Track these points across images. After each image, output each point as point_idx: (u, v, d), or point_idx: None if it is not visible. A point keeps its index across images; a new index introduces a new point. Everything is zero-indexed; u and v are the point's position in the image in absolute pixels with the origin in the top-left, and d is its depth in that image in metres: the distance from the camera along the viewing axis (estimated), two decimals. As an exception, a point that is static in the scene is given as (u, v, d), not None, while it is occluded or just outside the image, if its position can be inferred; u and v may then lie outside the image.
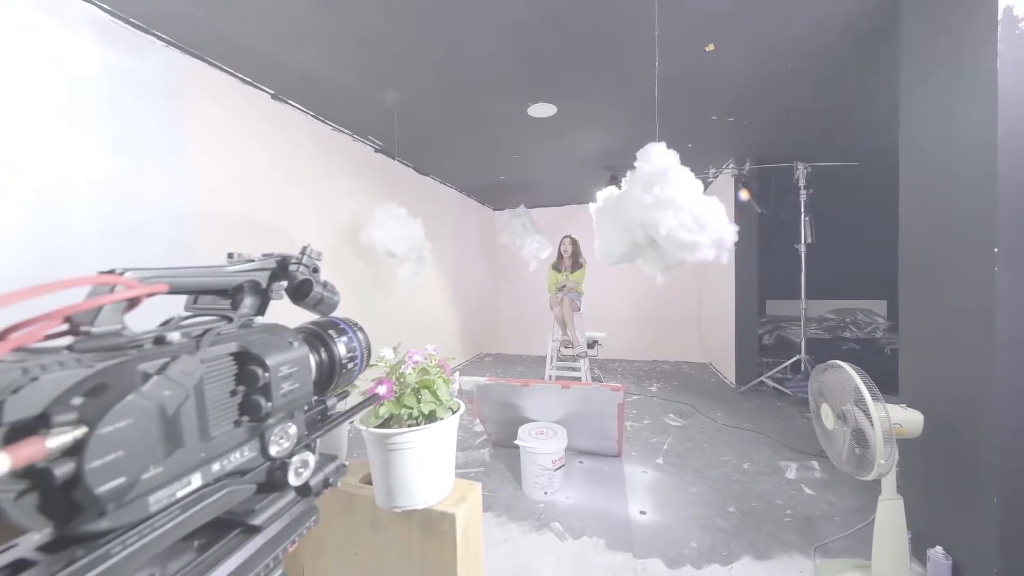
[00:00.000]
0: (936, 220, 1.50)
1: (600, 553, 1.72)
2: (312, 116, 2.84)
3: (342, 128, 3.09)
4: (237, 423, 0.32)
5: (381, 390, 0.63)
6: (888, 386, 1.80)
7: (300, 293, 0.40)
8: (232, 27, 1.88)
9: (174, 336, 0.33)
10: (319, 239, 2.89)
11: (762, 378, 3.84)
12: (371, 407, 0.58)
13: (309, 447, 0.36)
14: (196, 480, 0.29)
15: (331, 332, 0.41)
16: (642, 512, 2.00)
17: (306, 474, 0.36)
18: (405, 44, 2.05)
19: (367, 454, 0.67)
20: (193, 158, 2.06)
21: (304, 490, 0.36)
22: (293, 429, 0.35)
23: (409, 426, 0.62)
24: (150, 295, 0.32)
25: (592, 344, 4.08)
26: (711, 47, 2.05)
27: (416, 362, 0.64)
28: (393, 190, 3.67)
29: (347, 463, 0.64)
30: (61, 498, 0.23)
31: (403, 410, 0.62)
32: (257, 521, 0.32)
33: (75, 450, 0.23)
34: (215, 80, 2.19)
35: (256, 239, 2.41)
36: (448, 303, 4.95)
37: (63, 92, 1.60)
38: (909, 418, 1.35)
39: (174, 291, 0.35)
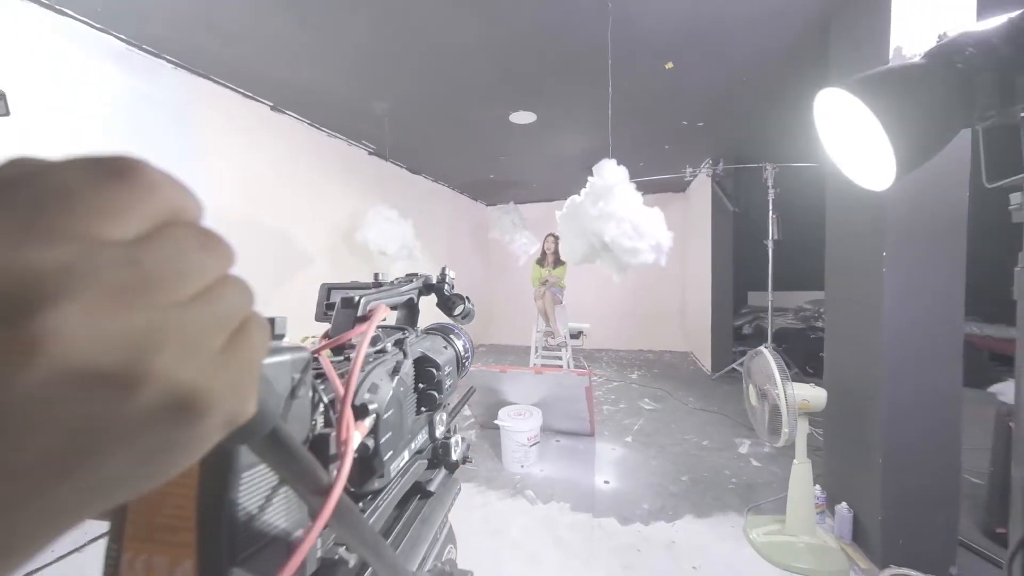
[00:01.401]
0: (848, 229, 1.73)
1: (565, 514, 1.99)
2: (308, 124, 3.04)
3: (337, 134, 3.30)
4: (418, 412, 0.39)
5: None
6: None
7: (450, 306, 0.48)
8: (234, 50, 2.08)
9: (388, 344, 0.38)
10: (316, 239, 3.12)
11: (733, 365, 4.11)
12: (469, 397, 0.69)
13: (453, 430, 0.45)
14: (406, 456, 0.37)
15: (452, 334, 0.47)
16: (606, 482, 2.27)
17: (459, 451, 0.45)
18: (392, 59, 2.25)
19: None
20: (203, 170, 2.28)
21: (452, 465, 0.45)
22: (445, 416, 0.43)
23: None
24: (384, 318, 0.38)
25: (577, 334, 4.33)
26: (670, 65, 2.25)
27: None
28: (386, 190, 3.88)
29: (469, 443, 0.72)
30: (360, 465, 0.30)
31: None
32: (432, 488, 0.42)
33: (372, 430, 0.30)
34: (219, 96, 2.40)
35: (262, 242, 2.64)
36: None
37: (94, 115, 1.81)
38: (815, 395, 1.60)
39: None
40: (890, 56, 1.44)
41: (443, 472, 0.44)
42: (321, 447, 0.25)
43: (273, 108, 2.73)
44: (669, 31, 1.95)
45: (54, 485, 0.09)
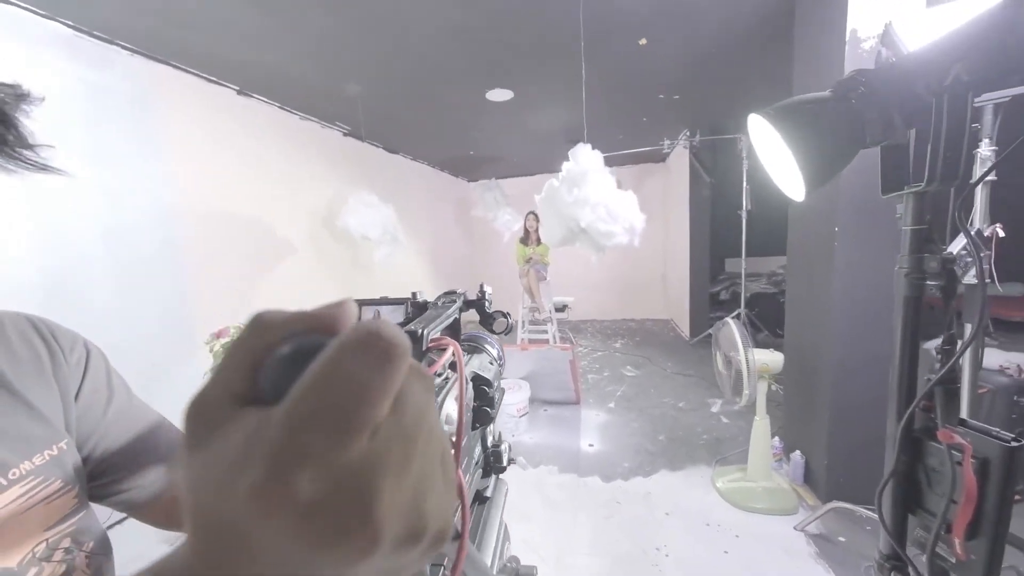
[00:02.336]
0: (805, 206, 1.85)
1: (553, 475, 2.18)
2: (279, 107, 2.94)
3: (309, 116, 3.20)
4: (473, 428, 0.41)
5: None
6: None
7: (491, 323, 0.51)
8: (190, 34, 1.98)
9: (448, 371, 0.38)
10: (294, 226, 3.09)
11: (709, 331, 4.33)
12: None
13: (500, 438, 0.46)
14: (472, 467, 0.41)
15: (487, 345, 0.50)
16: (590, 445, 2.47)
17: (506, 456, 0.48)
18: (359, 42, 2.18)
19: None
20: (168, 160, 2.22)
21: (501, 470, 0.48)
22: (493, 426, 0.45)
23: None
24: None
25: (562, 308, 4.47)
26: (643, 42, 2.25)
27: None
28: (365, 171, 3.82)
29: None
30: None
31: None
32: (488, 494, 0.46)
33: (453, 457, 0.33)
34: (181, 82, 2.30)
35: (235, 231, 2.62)
36: (427, 275, 5.24)
37: (45, 108, 1.74)
38: (773, 359, 1.77)
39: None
40: (847, 36, 1.50)
41: (495, 478, 0.46)
42: None
43: (239, 92, 2.63)
44: (640, 8, 1.95)
45: None
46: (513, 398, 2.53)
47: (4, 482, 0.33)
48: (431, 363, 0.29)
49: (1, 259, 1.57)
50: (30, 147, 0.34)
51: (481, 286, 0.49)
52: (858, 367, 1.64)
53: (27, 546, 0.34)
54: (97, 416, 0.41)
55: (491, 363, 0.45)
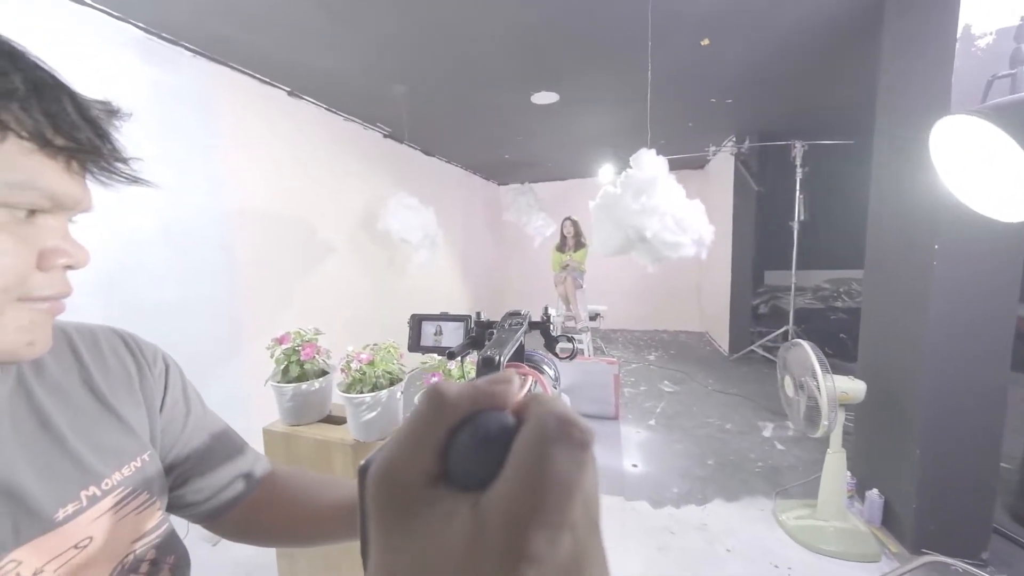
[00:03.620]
0: (895, 211, 1.68)
1: (596, 497, 2.07)
2: (325, 108, 2.96)
3: (352, 118, 3.21)
4: None
5: (433, 380, 0.89)
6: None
7: (553, 345, 0.51)
8: (254, 37, 2.00)
9: None
10: (335, 226, 3.11)
11: (753, 347, 4.12)
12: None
13: None
14: None
15: (545, 365, 0.50)
16: (634, 465, 2.34)
17: None
18: (415, 46, 2.16)
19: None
20: (223, 160, 2.25)
21: None
22: None
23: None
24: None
25: (594, 316, 4.35)
26: (706, 42, 2.13)
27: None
28: (402, 173, 3.82)
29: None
30: None
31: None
32: None
33: None
34: (237, 84, 2.33)
35: (281, 230, 2.64)
36: (458, 278, 5.21)
37: (137, 116, 1.78)
38: (854, 387, 1.61)
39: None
40: (958, 34, 1.35)
41: None
42: None
43: (290, 94, 2.65)
44: (708, 6, 1.84)
45: None
46: (553, 411, 2.44)
47: (99, 492, 0.34)
48: None
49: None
50: (124, 160, 0.34)
51: (546, 308, 0.50)
52: (959, 401, 1.46)
53: (117, 558, 0.35)
54: (178, 428, 0.43)
55: (554, 386, 0.45)
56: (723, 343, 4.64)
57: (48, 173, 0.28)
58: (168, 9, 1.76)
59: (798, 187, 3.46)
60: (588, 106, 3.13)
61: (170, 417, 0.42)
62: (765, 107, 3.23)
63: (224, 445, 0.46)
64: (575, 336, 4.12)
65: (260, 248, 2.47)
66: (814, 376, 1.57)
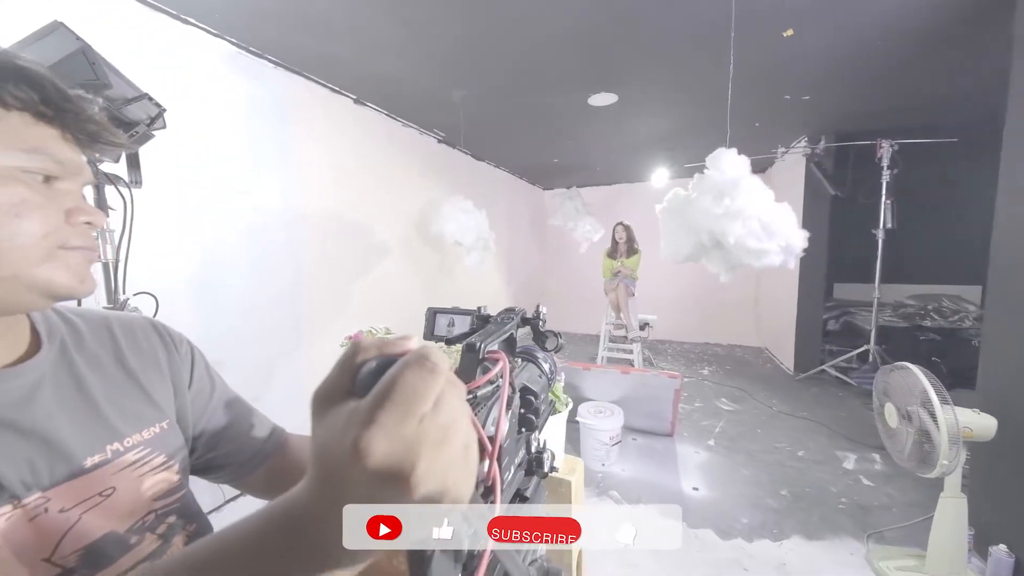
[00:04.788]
0: (1036, 222, 1.43)
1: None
2: (386, 115, 3.07)
3: (410, 123, 3.31)
4: (519, 431, 0.44)
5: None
6: (972, 382, 1.77)
7: (543, 340, 0.54)
8: (328, 47, 2.10)
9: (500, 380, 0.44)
10: (391, 229, 3.19)
11: (824, 366, 3.75)
12: (551, 411, 0.79)
13: (543, 444, 0.52)
14: (511, 471, 0.44)
15: (540, 359, 0.53)
16: (695, 488, 2.18)
17: (548, 463, 0.50)
18: (477, 50, 2.17)
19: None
20: (296, 165, 2.37)
21: (543, 475, 0.52)
22: (538, 434, 0.50)
23: (535, 417, 0.84)
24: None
25: (643, 326, 4.16)
26: (790, 32, 1.96)
27: (540, 370, 0.85)
28: (453, 177, 3.88)
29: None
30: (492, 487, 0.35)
31: (530, 405, 0.84)
32: (527, 493, 0.48)
33: (497, 458, 0.36)
34: (310, 93, 2.46)
35: (343, 232, 2.74)
36: (503, 282, 5.21)
37: (214, 117, 1.92)
38: (981, 423, 1.37)
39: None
40: None
41: (535, 479, 0.50)
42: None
43: (356, 101, 2.77)
44: (801, -8, 1.69)
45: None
46: (606, 424, 2.32)
47: (121, 448, 0.40)
48: (485, 371, 0.35)
49: (159, 257, 1.73)
50: (107, 129, 0.39)
51: (538, 306, 0.53)
52: None
53: (138, 513, 0.40)
54: (205, 400, 0.50)
55: (540, 376, 0.50)
56: (786, 360, 4.27)
57: (50, 141, 0.35)
58: (259, 25, 1.88)
59: (884, 191, 3.11)
60: (647, 107, 3.01)
61: (198, 390, 0.49)
62: (847, 103, 2.94)
63: (247, 415, 0.53)
64: (624, 346, 3.96)
65: (324, 249, 2.58)
66: (926, 406, 1.36)
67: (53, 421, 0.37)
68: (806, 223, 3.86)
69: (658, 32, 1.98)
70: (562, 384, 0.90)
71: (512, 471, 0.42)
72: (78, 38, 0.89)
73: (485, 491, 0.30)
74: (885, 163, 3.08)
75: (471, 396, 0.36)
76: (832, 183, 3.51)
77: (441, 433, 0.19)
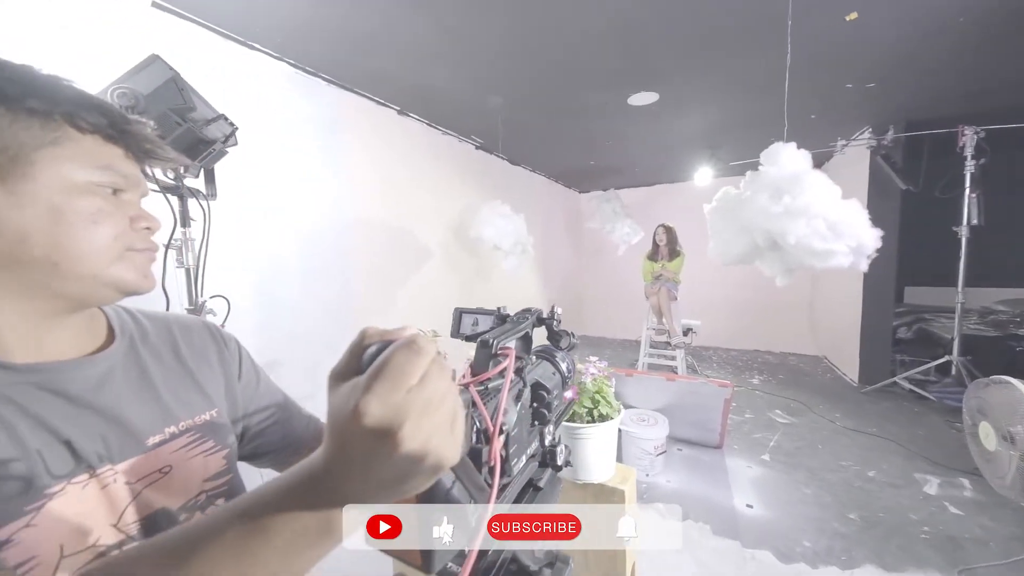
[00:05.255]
0: None
1: (706, 537, 1.83)
2: (427, 124, 3.17)
3: (449, 131, 3.40)
4: (532, 424, 0.48)
5: (569, 394, 0.84)
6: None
7: (557, 340, 0.57)
8: (372, 60, 2.20)
9: (512, 374, 0.48)
10: (432, 234, 3.28)
11: (896, 378, 3.40)
12: (570, 409, 0.79)
13: (558, 439, 0.54)
14: (523, 460, 0.47)
15: (557, 355, 0.55)
16: (749, 505, 2.04)
17: (562, 457, 0.54)
18: (516, 55, 2.19)
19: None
20: (344, 175, 2.51)
21: (557, 467, 0.53)
22: (552, 427, 0.52)
23: (587, 422, 0.82)
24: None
25: (686, 332, 3.98)
26: (853, 16, 1.82)
27: (592, 374, 0.83)
28: (491, 182, 3.93)
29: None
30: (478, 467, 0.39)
31: (582, 408, 0.82)
32: (541, 484, 0.51)
33: (503, 444, 0.40)
34: (357, 106, 2.60)
35: (388, 238, 2.85)
36: (539, 286, 5.20)
37: (274, 135, 2.07)
38: (1105, 447, 1.18)
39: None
40: None
41: (550, 472, 0.52)
42: (476, 456, 0.34)
43: (400, 112, 2.89)
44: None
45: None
46: (650, 433, 2.24)
47: (176, 430, 0.45)
48: (496, 364, 0.39)
49: (229, 263, 1.89)
50: (161, 147, 0.45)
51: (552, 307, 0.55)
52: None
53: (190, 493, 0.44)
54: (253, 390, 0.56)
55: (553, 374, 0.51)
56: (849, 371, 3.91)
57: (116, 159, 0.40)
58: (314, 46, 2.02)
59: (968, 183, 2.78)
60: (690, 104, 2.90)
61: (247, 382, 0.55)
62: (920, 89, 2.68)
63: (288, 407, 0.59)
64: (666, 352, 3.81)
65: (370, 255, 2.70)
66: (1035, 426, 1.19)
67: (122, 403, 0.42)
68: (871, 222, 3.58)
69: (705, 24, 1.91)
70: (612, 389, 0.88)
71: (524, 460, 0.45)
72: (170, 68, 0.99)
73: (489, 470, 0.35)
74: (969, 152, 2.76)
75: (482, 387, 0.40)
76: (903, 177, 3.19)
77: (425, 403, 0.23)
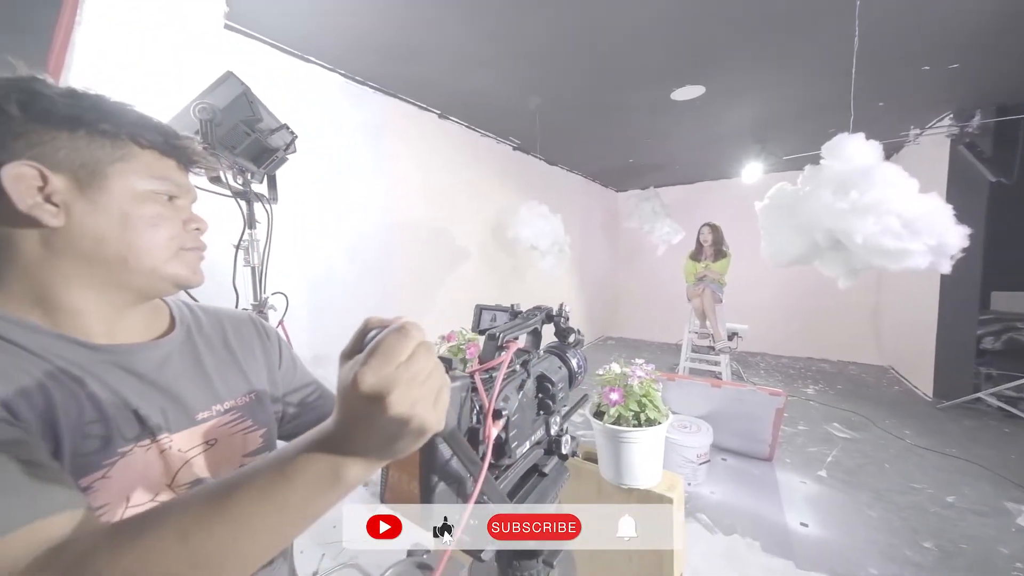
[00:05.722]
0: None
1: (755, 553, 1.72)
2: (466, 126, 3.23)
3: (488, 133, 3.44)
4: (537, 414, 0.51)
5: (614, 396, 0.82)
6: None
7: (564, 336, 0.60)
8: (416, 68, 2.28)
9: (517, 366, 0.51)
10: (470, 235, 3.34)
11: (981, 394, 3.03)
12: (581, 404, 0.75)
13: (565, 430, 0.56)
14: (527, 445, 0.49)
15: (568, 353, 0.58)
16: (803, 524, 1.90)
17: (568, 447, 0.56)
18: (556, 55, 2.18)
19: (593, 440, 0.88)
20: (390, 178, 2.61)
21: (563, 456, 0.56)
22: (559, 418, 0.55)
23: (634, 426, 0.80)
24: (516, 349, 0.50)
25: (731, 336, 3.77)
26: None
27: (640, 377, 0.81)
28: (528, 183, 3.94)
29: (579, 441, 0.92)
30: (496, 448, 0.43)
31: (628, 412, 0.80)
32: (546, 470, 0.54)
33: (504, 427, 0.43)
34: (401, 112, 2.70)
35: (429, 238, 2.94)
36: (573, 286, 5.14)
37: (329, 143, 2.20)
38: None
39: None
40: None
41: (556, 460, 0.56)
42: (475, 435, 0.39)
43: (440, 116, 2.96)
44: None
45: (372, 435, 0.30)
46: (693, 440, 2.14)
47: (221, 408, 0.52)
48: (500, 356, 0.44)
49: (281, 265, 2.02)
50: (204, 158, 0.52)
51: (561, 305, 0.58)
52: None
53: (232, 464, 0.51)
54: (290, 377, 0.63)
55: (559, 367, 0.55)
56: (922, 384, 3.54)
57: (171, 171, 0.47)
58: (363, 56, 2.12)
59: (1076, 174, 2.43)
60: (740, 96, 2.75)
61: (285, 369, 0.62)
62: (1015, 68, 2.37)
63: (321, 391, 0.65)
64: (709, 357, 3.64)
65: (412, 254, 2.79)
66: None
67: (178, 382, 0.48)
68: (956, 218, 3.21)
69: (758, 9, 1.80)
70: (660, 393, 0.85)
71: (528, 446, 0.49)
72: (242, 83, 1.08)
73: (472, 437, 0.39)
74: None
75: (487, 375, 0.43)
76: (992, 168, 2.84)
77: (412, 376, 0.28)
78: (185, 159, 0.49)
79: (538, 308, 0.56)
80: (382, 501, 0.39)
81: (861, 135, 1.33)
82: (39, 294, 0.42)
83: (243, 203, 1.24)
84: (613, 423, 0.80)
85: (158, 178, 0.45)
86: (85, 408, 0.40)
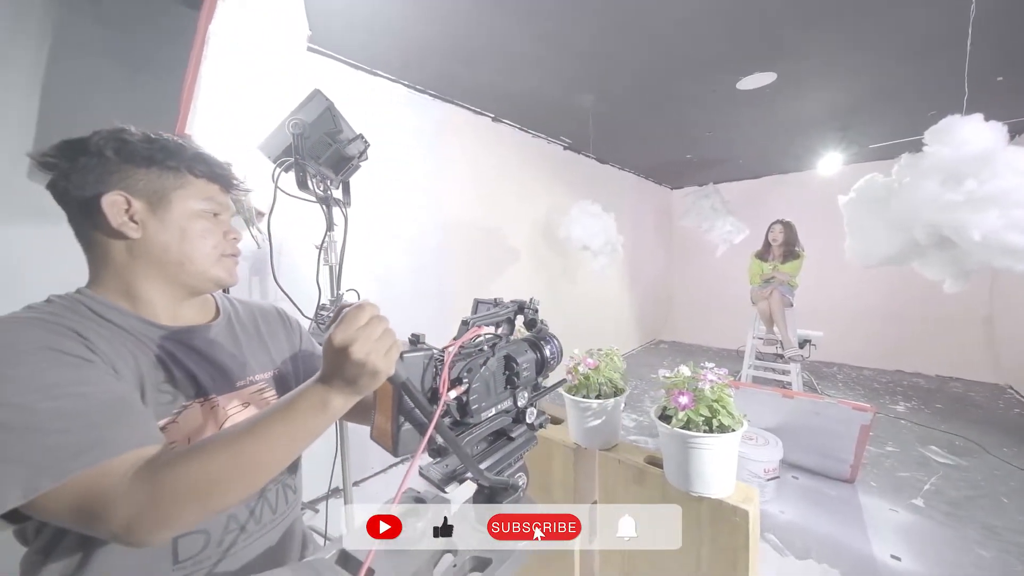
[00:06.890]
0: None
1: (834, 583, 1.57)
2: (518, 128, 3.27)
3: (539, 134, 3.46)
4: (504, 387, 0.61)
5: (683, 400, 0.80)
6: None
7: (532, 325, 0.69)
8: (472, 72, 2.34)
9: (485, 346, 0.61)
10: (520, 235, 3.37)
11: None
12: (557, 386, 0.79)
13: (534, 404, 0.66)
14: (493, 411, 0.59)
15: (542, 341, 0.68)
16: (895, 557, 1.69)
17: (533, 419, 0.66)
18: (609, 51, 2.14)
19: (660, 444, 0.86)
20: (446, 180, 2.72)
21: (531, 427, 0.66)
22: (525, 394, 0.65)
23: (704, 431, 0.77)
24: (479, 335, 0.59)
25: (803, 343, 3.45)
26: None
27: (711, 380, 0.78)
28: (579, 182, 3.90)
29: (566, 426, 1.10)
30: (461, 409, 0.55)
31: (699, 417, 0.77)
32: (513, 435, 0.64)
33: (465, 392, 0.54)
34: (458, 116, 2.80)
35: (483, 239, 3.01)
36: (624, 288, 5.00)
37: (395, 148, 2.35)
38: None
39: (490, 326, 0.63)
40: None
41: (523, 427, 0.65)
42: (435, 395, 0.50)
43: (494, 119, 3.03)
44: None
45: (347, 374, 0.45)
46: (760, 454, 1.99)
47: (253, 380, 0.65)
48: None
49: (352, 264, 2.18)
50: (240, 183, 0.68)
51: (531, 299, 0.67)
52: None
53: None
54: (309, 358, 0.76)
55: (526, 351, 0.64)
56: (1052, 407, 2.99)
57: (216, 193, 0.61)
58: (429, 64, 2.23)
59: None
60: (817, 80, 2.51)
61: (306, 352, 0.76)
62: None
63: None
64: (776, 366, 3.35)
65: (465, 254, 2.88)
66: None
67: (223, 357, 0.62)
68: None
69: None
70: (732, 399, 0.81)
71: (494, 412, 0.59)
72: (326, 99, 1.20)
73: (434, 395, 0.50)
74: None
75: (460, 354, 0.54)
76: None
77: (367, 335, 0.43)
78: (226, 183, 0.63)
79: (513, 301, 0.66)
80: (371, 438, 0.50)
81: (978, 116, 1.16)
82: (125, 287, 0.56)
83: (324, 208, 1.36)
84: (682, 427, 0.77)
85: (207, 199, 0.60)
86: (159, 371, 0.54)
